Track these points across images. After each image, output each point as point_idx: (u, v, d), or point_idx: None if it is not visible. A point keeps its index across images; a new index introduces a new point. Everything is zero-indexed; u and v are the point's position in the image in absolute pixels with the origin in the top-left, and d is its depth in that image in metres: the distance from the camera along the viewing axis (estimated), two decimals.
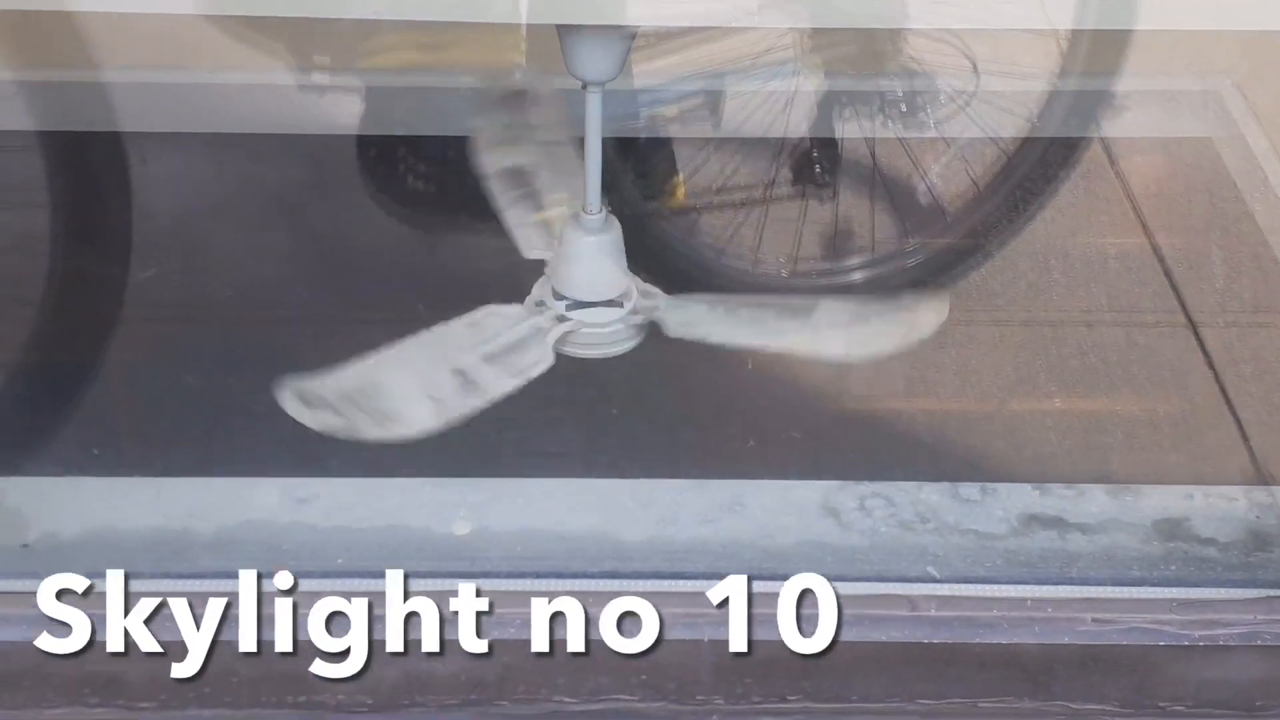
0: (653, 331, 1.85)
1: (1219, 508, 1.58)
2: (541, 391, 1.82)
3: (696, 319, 1.87)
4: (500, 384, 1.71)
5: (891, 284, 2.12)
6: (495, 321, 1.79)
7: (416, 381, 1.71)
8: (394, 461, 1.64)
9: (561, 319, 1.82)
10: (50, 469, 1.67)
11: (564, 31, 1.75)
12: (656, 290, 1.89)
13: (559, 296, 1.84)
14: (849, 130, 2.12)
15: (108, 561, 1.49)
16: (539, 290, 1.86)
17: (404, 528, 1.55)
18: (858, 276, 2.14)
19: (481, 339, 1.76)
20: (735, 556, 1.54)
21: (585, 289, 1.86)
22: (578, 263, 1.86)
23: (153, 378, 1.93)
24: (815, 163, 2.12)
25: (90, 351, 1.94)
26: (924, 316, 1.97)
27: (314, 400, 1.67)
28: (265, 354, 1.96)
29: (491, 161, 1.93)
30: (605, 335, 1.85)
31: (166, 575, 1.48)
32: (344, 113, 2.15)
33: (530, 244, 1.88)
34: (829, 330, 1.90)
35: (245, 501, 1.56)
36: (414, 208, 2.16)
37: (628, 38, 1.77)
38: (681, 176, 2.19)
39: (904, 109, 2.07)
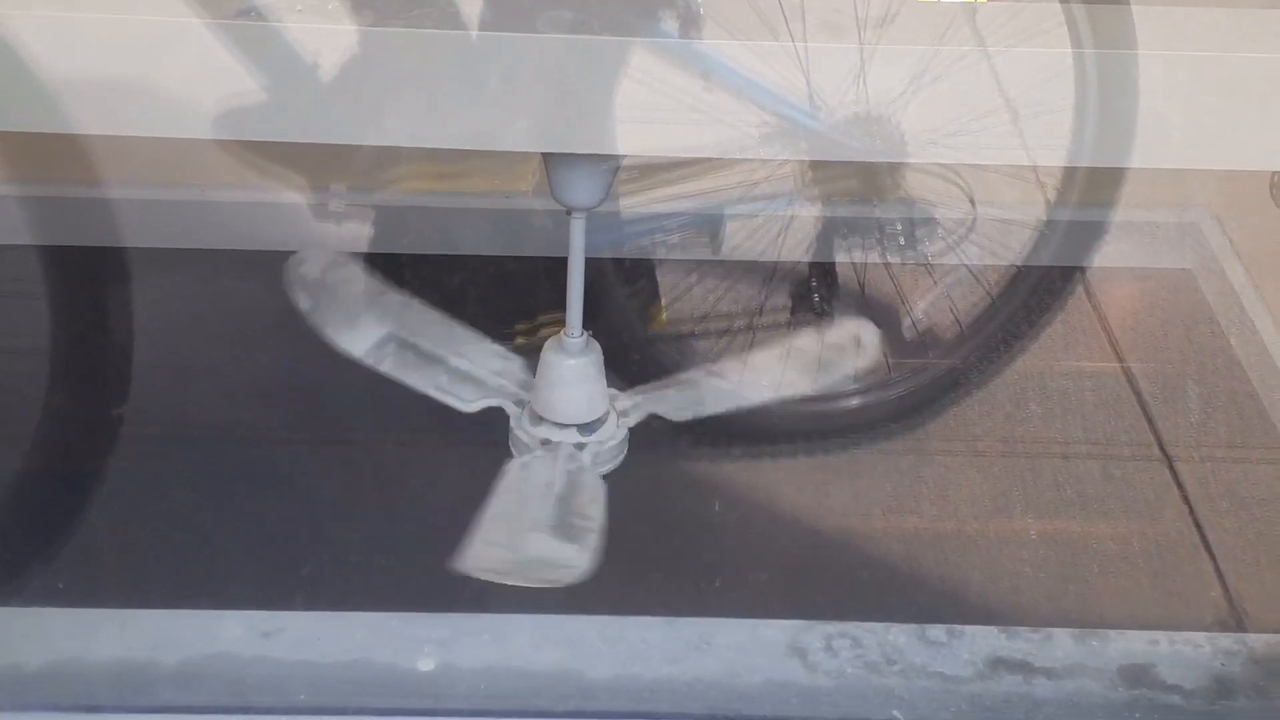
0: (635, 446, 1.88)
1: (1185, 654, 1.57)
2: None
3: (690, 401, 1.94)
4: (593, 516, 1.77)
5: (874, 413, 2.13)
6: (538, 470, 1.84)
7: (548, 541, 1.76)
8: (360, 596, 1.63)
9: (579, 445, 1.86)
10: (14, 600, 1.67)
11: (549, 159, 1.77)
12: (616, 391, 1.92)
13: (551, 423, 1.86)
14: (843, 258, 2.14)
15: (71, 694, 1.49)
16: (522, 426, 1.87)
17: (368, 663, 1.54)
18: (840, 403, 2.14)
19: (545, 489, 1.82)
20: (701, 696, 1.53)
21: (579, 411, 1.88)
22: (568, 387, 1.87)
23: (121, 508, 1.92)
24: (813, 290, 2.14)
25: (58, 481, 1.94)
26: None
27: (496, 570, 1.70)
28: (236, 483, 1.96)
29: (356, 339, 1.96)
30: (614, 449, 1.89)
31: (130, 710, 1.47)
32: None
33: (463, 399, 1.92)
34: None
35: (210, 634, 1.55)
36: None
37: (613, 167, 1.79)
38: (663, 302, 2.20)
39: (902, 241, 2.09)
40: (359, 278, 2.05)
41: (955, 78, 1.88)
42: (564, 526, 1.77)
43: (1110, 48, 1.92)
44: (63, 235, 2.10)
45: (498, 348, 1.99)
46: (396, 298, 2.02)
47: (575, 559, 1.72)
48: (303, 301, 2.01)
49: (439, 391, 1.92)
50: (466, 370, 1.95)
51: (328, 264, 2.07)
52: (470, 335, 1.99)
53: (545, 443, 1.87)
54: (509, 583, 1.68)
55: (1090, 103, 1.97)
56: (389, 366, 1.94)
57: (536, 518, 1.78)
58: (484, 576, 1.68)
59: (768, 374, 2.06)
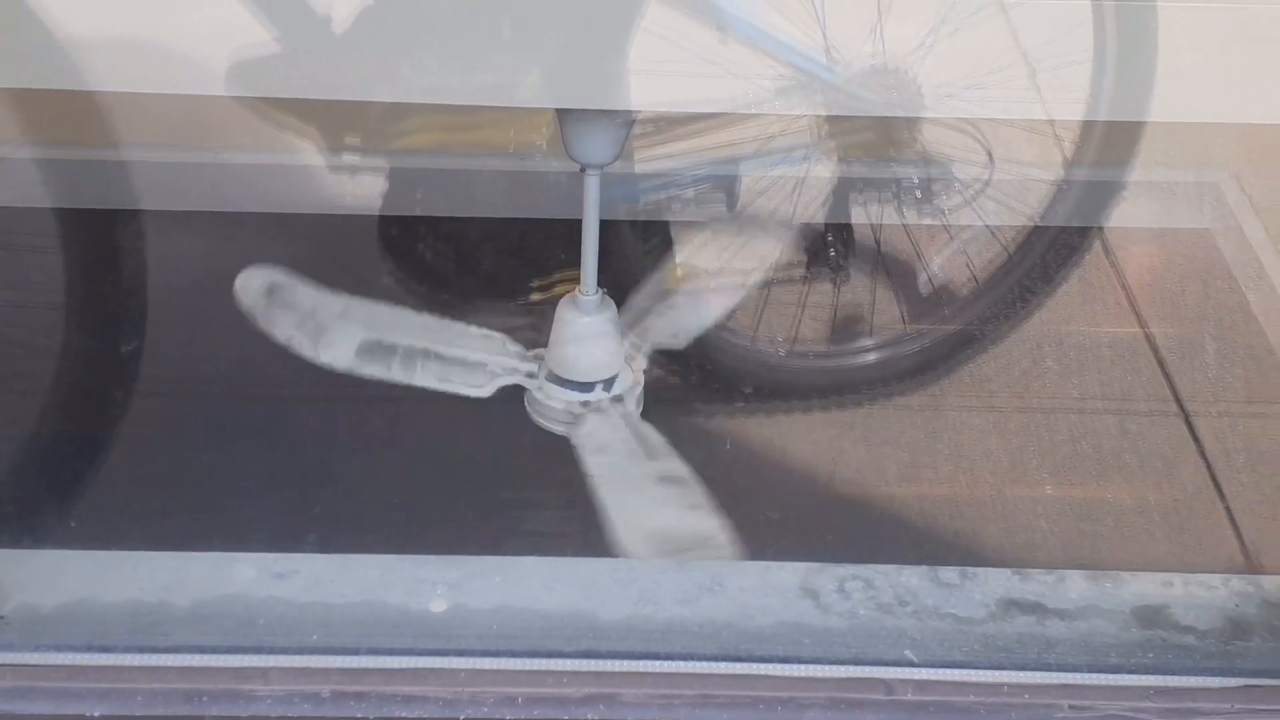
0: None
1: (1198, 595, 1.57)
2: (519, 470, 1.83)
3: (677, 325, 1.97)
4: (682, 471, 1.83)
5: (889, 370, 2.13)
6: (602, 432, 1.88)
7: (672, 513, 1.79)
8: (372, 538, 1.64)
9: (617, 398, 1.90)
10: (28, 542, 1.68)
11: (563, 116, 1.77)
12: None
13: (574, 383, 1.87)
14: (859, 216, 2.13)
15: (83, 635, 1.50)
16: (546, 396, 1.90)
17: (380, 604, 1.54)
18: (856, 360, 2.14)
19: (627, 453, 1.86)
20: (713, 638, 1.53)
21: (600, 367, 1.88)
22: (581, 344, 1.87)
23: (134, 451, 1.93)
24: (829, 246, 2.14)
25: (70, 425, 1.95)
26: None
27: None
28: (249, 431, 1.97)
29: (337, 352, 1.96)
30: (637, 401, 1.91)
31: (140, 649, 1.48)
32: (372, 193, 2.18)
33: (474, 386, 1.94)
34: None
35: (222, 576, 1.55)
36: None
37: (626, 123, 1.79)
38: (678, 258, 2.21)
39: (919, 195, 2.08)
40: (309, 293, 2.04)
41: (973, 30, 1.89)
42: (664, 494, 1.80)
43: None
44: (78, 197, 2.12)
45: (478, 330, 1.99)
46: (360, 303, 2.02)
47: (713, 531, 1.74)
48: (260, 320, 2.02)
49: (442, 384, 1.92)
50: (461, 357, 1.95)
51: (271, 285, 2.06)
52: (446, 324, 1.99)
53: (586, 405, 1.88)
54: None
55: (1109, 56, 1.96)
56: (380, 372, 1.94)
57: (638, 489, 1.81)
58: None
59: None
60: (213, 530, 1.70)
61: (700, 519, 1.75)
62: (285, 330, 1.97)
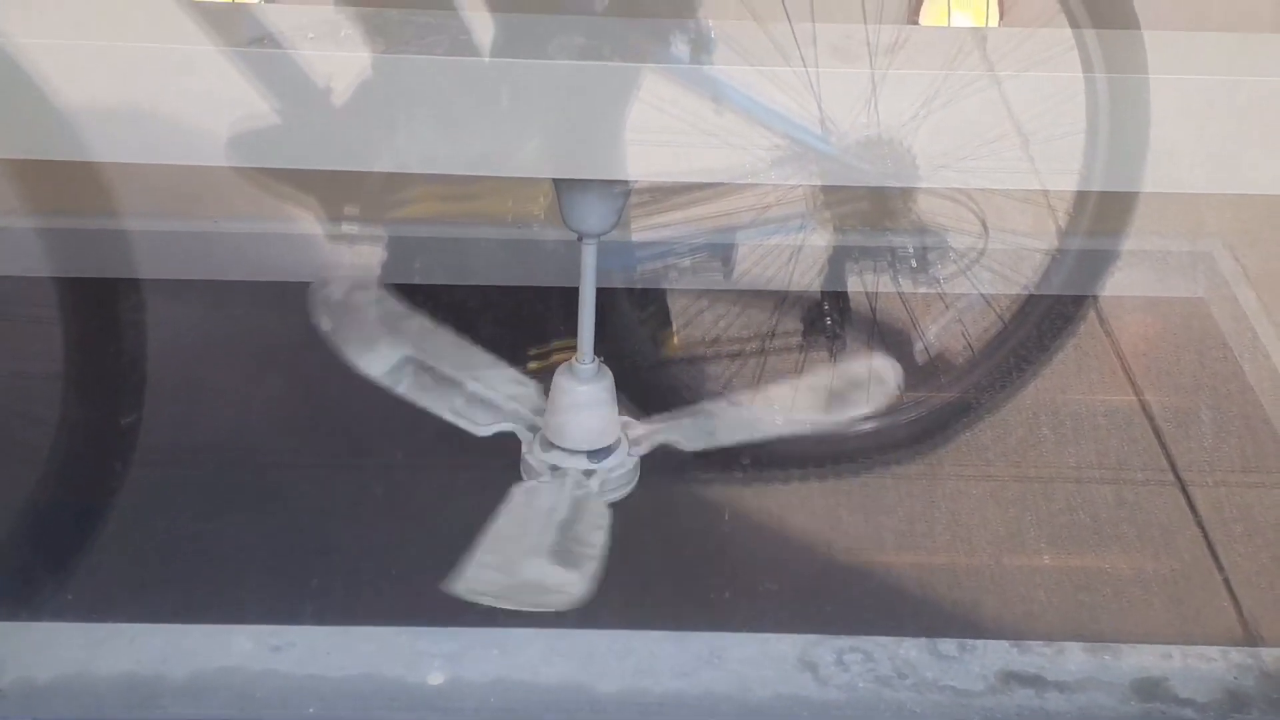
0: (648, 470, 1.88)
1: (1197, 668, 1.57)
2: None
3: (703, 431, 1.94)
4: (595, 543, 1.77)
5: (887, 438, 2.13)
6: (544, 496, 1.85)
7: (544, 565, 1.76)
8: (369, 610, 1.64)
9: (588, 472, 1.86)
10: (24, 614, 1.67)
11: (560, 185, 1.78)
12: (633, 420, 1.92)
13: (561, 449, 1.86)
14: (855, 284, 2.14)
15: (80, 708, 1.49)
16: (533, 453, 1.88)
17: (378, 677, 1.54)
18: (853, 429, 2.14)
19: (548, 516, 1.82)
20: (712, 711, 1.52)
21: (588, 438, 1.88)
22: (578, 413, 1.87)
23: (131, 523, 1.93)
24: (825, 315, 2.14)
25: (67, 496, 1.95)
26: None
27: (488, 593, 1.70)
28: (246, 501, 1.97)
29: (375, 361, 1.97)
30: (623, 476, 1.88)
31: None
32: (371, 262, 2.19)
33: (477, 424, 1.92)
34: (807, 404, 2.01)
35: (219, 648, 1.55)
36: None
37: (623, 192, 1.80)
38: (675, 326, 2.21)
39: (914, 265, 2.09)
40: (380, 301, 2.07)
41: (966, 102, 1.89)
42: (563, 552, 1.76)
43: (1122, 72, 1.93)
44: (77, 266, 2.12)
45: (514, 373, 2.00)
46: (416, 321, 2.03)
47: (572, 585, 1.71)
48: (324, 323, 2.03)
49: (454, 415, 1.92)
50: (482, 394, 1.95)
51: (350, 287, 2.09)
52: (487, 359, 2.00)
53: (554, 469, 1.87)
54: (500, 606, 1.67)
55: (1102, 127, 1.97)
56: (406, 389, 1.94)
57: (536, 543, 1.78)
58: (475, 599, 1.68)
59: (781, 404, 2.06)
60: (210, 602, 1.70)
61: (555, 571, 1.75)
62: (340, 328, 2.00)
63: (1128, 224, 2.13)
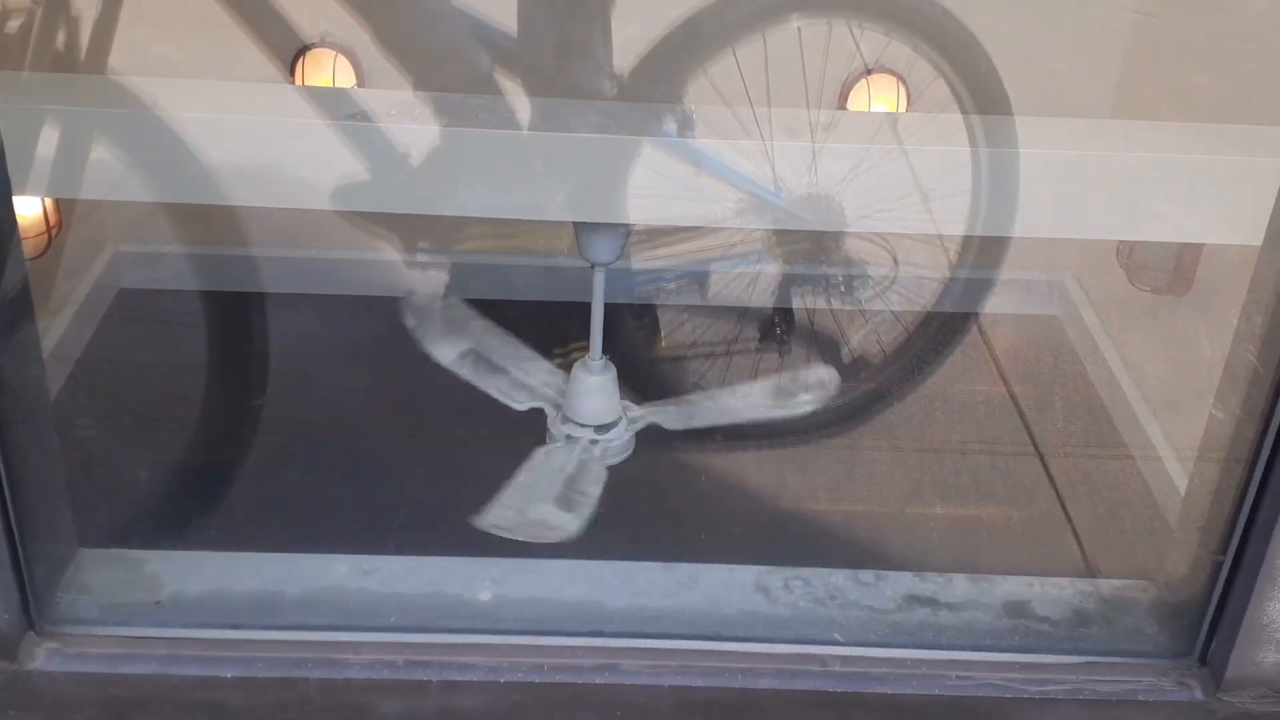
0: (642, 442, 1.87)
1: (1052, 594, 1.57)
2: None
3: (685, 415, 1.93)
4: (591, 495, 1.77)
5: (821, 418, 2.12)
6: (558, 456, 1.84)
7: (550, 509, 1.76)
8: (436, 544, 1.63)
9: (594, 441, 1.85)
10: (179, 545, 1.67)
11: (578, 226, 1.77)
12: (632, 404, 1.91)
13: (575, 423, 1.86)
14: (799, 303, 2.14)
15: (219, 616, 1.49)
16: (555, 424, 1.87)
17: (442, 594, 1.53)
18: (795, 410, 2.13)
19: (559, 471, 1.82)
20: (691, 622, 1.52)
21: (596, 416, 1.88)
22: (589, 397, 1.87)
23: (258, 478, 1.93)
24: (775, 326, 2.14)
25: (211, 458, 1.95)
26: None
27: (505, 527, 1.70)
28: (343, 461, 1.98)
29: (446, 351, 1.98)
30: (621, 445, 1.88)
31: (261, 627, 1.48)
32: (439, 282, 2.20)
33: (516, 401, 1.92)
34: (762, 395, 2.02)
35: (323, 572, 1.54)
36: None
37: (626, 232, 1.80)
38: (663, 334, 2.21)
39: (843, 289, 2.09)
40: (450, 307, 2.07)
41: (883, 168, 1.89)
42: (565, 499, 1.76)
43: (998, 147, 1.93)
44: (218, 282, 2.12)
45: (547, 364, 1.99)
46: (479, 322, 2.03)
47: (568, 524, 1.71)
48: (410, 321, 2.03)
49: (500, 394, 1.92)
50: (522, 380, 1.95)
51: (429, 298, 2.11)
52: (528, 353, 2.00)
53: (569, 437, 1.87)
54: (513, 538, 1.67)
55: (983, 188, 1.97)
56: (467, 373, 1.94)
57: (546, 491, 1.77)
58: (495, 532, 1.68)
59: (742, 394, 2.06)
60: (316, 537, 1.69)
61: (557, 514, 1.74)
62: (421, 326, 2.03)
63: (1001, 259, 2.13)
